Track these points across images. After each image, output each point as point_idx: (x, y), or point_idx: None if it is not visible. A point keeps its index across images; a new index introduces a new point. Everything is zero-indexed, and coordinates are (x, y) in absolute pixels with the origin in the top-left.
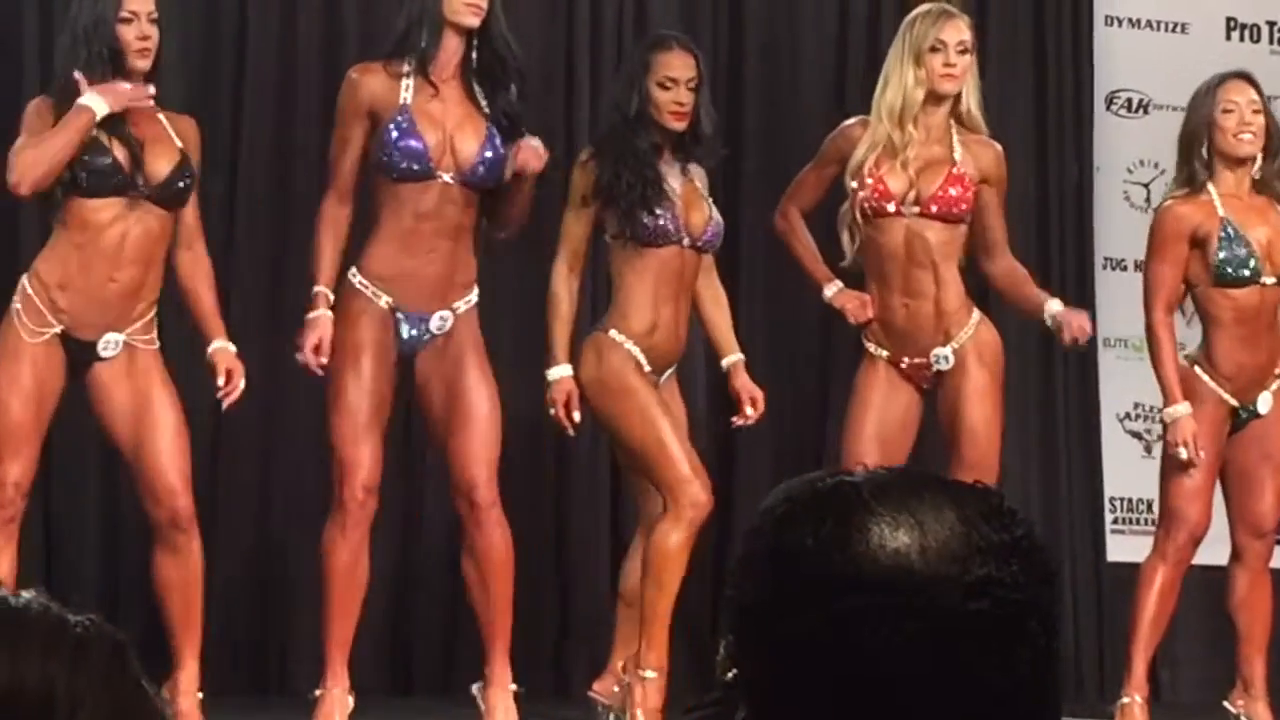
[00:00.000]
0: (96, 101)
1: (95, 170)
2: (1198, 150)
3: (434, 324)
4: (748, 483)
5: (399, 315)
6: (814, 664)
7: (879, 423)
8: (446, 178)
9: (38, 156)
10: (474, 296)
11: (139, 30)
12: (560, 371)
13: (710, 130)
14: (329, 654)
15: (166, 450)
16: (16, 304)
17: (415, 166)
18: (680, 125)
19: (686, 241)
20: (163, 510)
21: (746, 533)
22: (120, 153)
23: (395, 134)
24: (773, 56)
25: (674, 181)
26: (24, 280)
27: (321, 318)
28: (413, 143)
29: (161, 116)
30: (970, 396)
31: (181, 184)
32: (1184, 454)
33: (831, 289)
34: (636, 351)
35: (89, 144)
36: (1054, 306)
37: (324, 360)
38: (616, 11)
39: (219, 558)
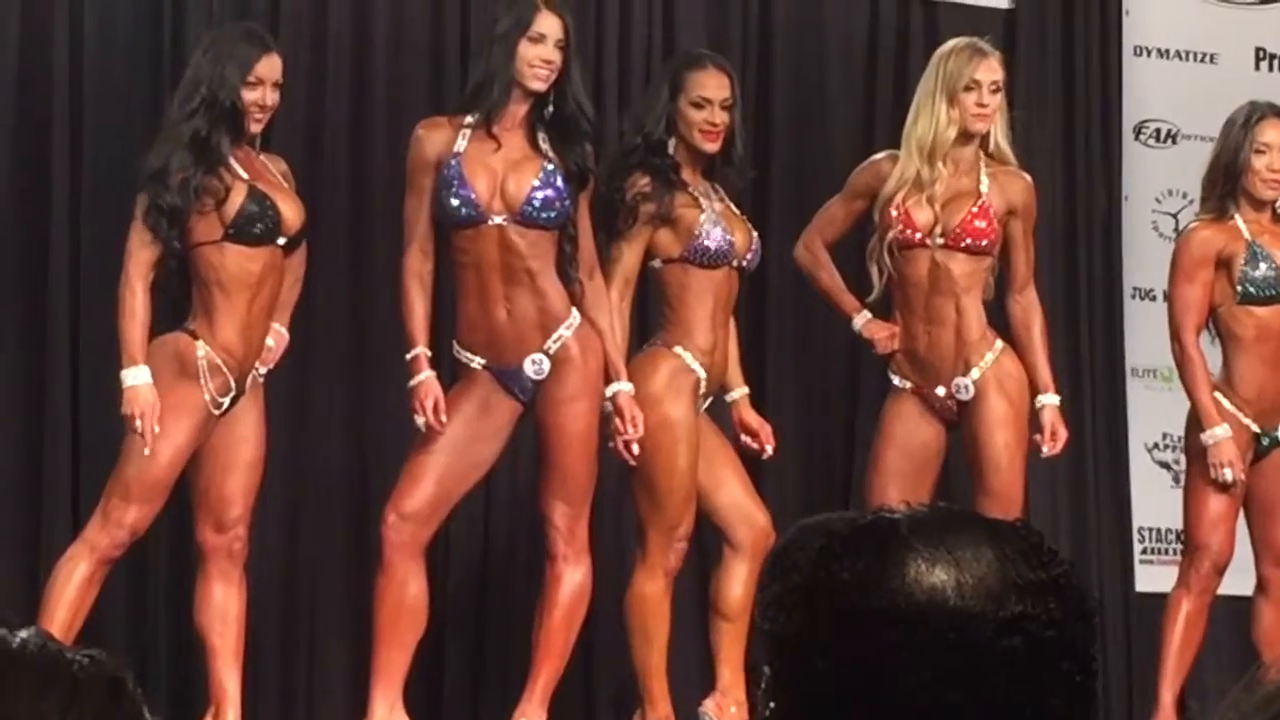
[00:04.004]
0: (136, 379)
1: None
2: (1226, 182)
3: (529, 370)
4: (776, 513)
5: (494, 372)
6: (849, 697)
7: (900, 457)
8: (499, 220)
9: (121, 315)
10: (567, 329)
11: (260, 97)
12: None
13: (741, 151)
14: (370, 684)
15: (241, 482)
16: (202, 363)
17: (465, 211)
18: (713, 146)
19: (735, 262)
20: (223, 539)
21: (784, 567)
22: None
23: (444, 181)
24: (801, 85)
25: (712, 202)
26: (196, 343)
27: (427, 380)
28: (461, 189)
29: (264, 159)
30: (991, 426)
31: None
32: (1228, 476)
33: (860, 319)
34: (701, 371)
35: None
36: (1045, 400)
37: (445, 418)
38: (645, 41)
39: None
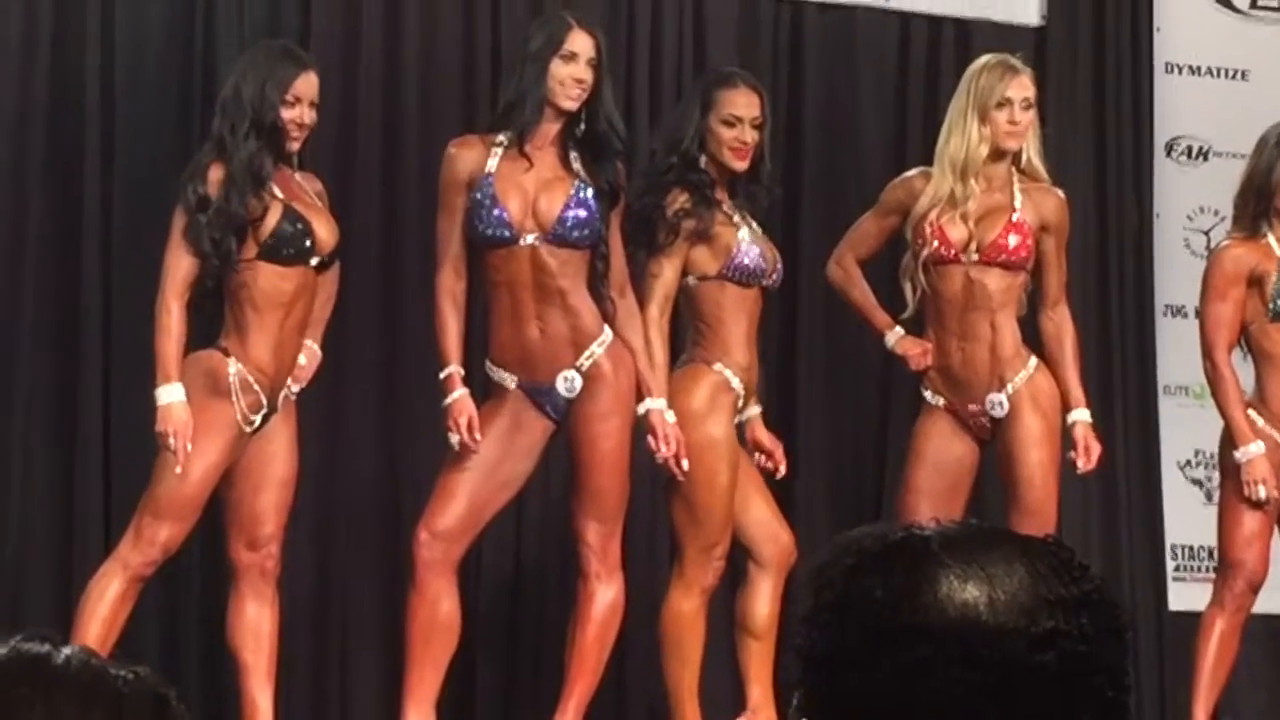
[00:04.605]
0: (170, 396)
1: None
2: (1259, 202)
3: (561, 388)
4: (805, 530)
5: (526, 390)
6: (882, 714)
7: (933, 474)
8: (531, 239)
9: (157, 333)
10: (600, 346)
11: (299, 115)
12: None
13: (770, 168)
14: (402, 702)
15: (274, 499)
16: (233, 380)
17: (498, 231)
18: (742, 165)
19: (766, 281)
20: (256, 556)
21: (816, 584)
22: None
23: (477, 201)
24: (832, 102)
25: (744, 220)
26: (228, 360)
27: (461, 399)
28: (494, 208)
29: (299, 178)
30: (1026, 443)
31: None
32: (1263, 493)
33: (893, 336)
34: (741, 388)
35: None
36: (1077, 416)
37: (479, 436)
38: (675, 60)
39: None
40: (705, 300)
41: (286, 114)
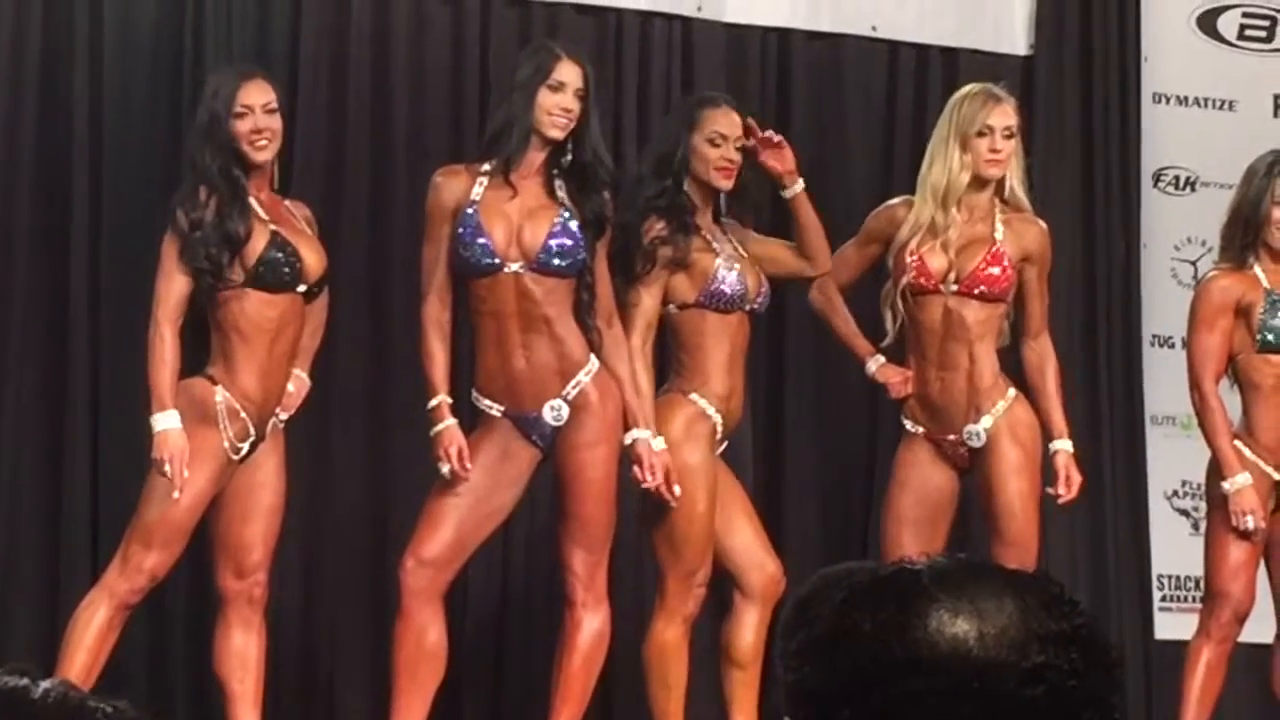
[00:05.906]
0: (166, 423)
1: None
2: (1246, 234)
3: (548, 417)
4: (794, 556)
5: (513, 419)
6: None
7: (915, 503)
8: (515, 268)
9: (150, 360)
10: (586, 375)
11: (252, 124)
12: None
13: (753, 191)
14: None
15: (261, 527)
16: (220, 408)
17: (482, 259)
18: (728, 184)
19: (748, 306)
20: (243, 584)
21: (806, 618)
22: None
23: (461, 230)
24: (820, 133)
25: (724, 245)
26: (214, 388)
27: (449, 428)
28: (478, 237)
29: (289, 205)
30: (1005, 473)
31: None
32: (1250, 523)
33: (873, 364)
34: (718, 418)
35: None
36: (1059, 446)
37: (469, 465)
38: (664, 91)
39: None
40: (686, 328)
41: (240, 125)
